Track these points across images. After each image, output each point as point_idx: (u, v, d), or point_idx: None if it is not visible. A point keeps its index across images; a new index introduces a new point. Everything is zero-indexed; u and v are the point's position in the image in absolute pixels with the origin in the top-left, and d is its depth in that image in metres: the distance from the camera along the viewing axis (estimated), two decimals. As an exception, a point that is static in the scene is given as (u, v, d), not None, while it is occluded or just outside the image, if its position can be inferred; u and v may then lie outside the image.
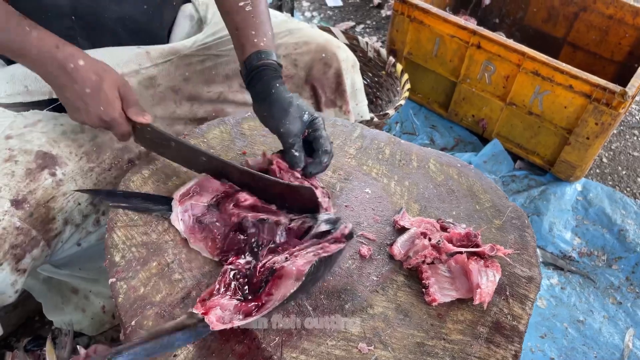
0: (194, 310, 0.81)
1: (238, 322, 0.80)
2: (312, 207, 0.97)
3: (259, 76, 1.06)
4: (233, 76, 1.27)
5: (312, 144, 1.04)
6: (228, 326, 0.79)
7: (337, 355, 0.83)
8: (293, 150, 1.01)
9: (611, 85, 1.74)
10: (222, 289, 0.84)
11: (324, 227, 0.93)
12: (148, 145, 1.06)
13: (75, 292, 1.45)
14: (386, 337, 0.86)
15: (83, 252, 1.23)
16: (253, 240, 0.91)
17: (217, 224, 0.95)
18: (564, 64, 1.82)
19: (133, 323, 0.83)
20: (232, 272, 0.86)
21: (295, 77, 1.33)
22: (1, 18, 0.91)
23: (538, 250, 1.85)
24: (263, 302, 0.82)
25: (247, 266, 0.88)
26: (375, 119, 1.80)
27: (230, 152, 1.14)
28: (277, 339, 0.83)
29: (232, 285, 0.84)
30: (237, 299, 0.83)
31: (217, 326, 0.79)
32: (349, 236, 0.92)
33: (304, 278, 0.82)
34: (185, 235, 0.94)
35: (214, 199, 0.97)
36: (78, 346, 0.96)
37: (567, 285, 1.78)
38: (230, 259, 0.89)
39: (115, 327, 1.46)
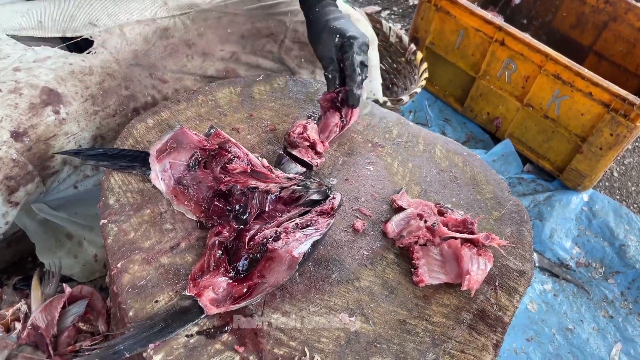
0: (187, 293, 0.80)
1: (231, 306, 0.79)
2: None
3: (303, 1, 1.18)
4: (248, 37, 1.26)
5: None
6: (222, 310, 0.78)
7: (317, 321, 0.82)
8: (326, 73, 1.10)
9: (631, 97, 1.71)
10: (212, 265, 0.83)
11: (314, 197, 0.92)
12: None
13: (69, 238, 1.46)
14: (369, 310, 0.85)
15: (80, 195, 1.23)
16: (239, 206, 0.89)
17: (200, 186, 0.93)
18: (585, 70, 1.78)
19: (119, 265, 0.83)
20: (219, 243, 0.85)
21: (310, 46, 1.31)
22: None
23: (535, 254, 1.84)
24: (255, 283, 0.81)
25: (234, 233, 0.87)
26: (389, 104, 1.78)
27: (237, 113, 1.13)
28: (260, 299, 0.83)
29: (221, 261, 0.83)
30: (228, 276, 0.82)
31: (212, 310, 0.78)
32: (338, 208, 0.92)
33: (297, 267, 0.81)
34: (167, 197, 0.93)
35: (193, 157, 0.95)
36: (64, 284, 0.97)
37: (560, 293, 1.76)
38: (217, 228, 0.88)
39: (105, 277, 1.47)
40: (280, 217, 0.90)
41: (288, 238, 0.84)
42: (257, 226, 0.88)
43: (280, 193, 0.92)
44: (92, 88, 1.10)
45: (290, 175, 0.97)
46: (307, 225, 0.88)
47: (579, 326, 1.68)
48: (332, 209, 0.91)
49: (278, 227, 0.87)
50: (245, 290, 0.81)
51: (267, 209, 0.91)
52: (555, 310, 1.71)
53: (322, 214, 0.91)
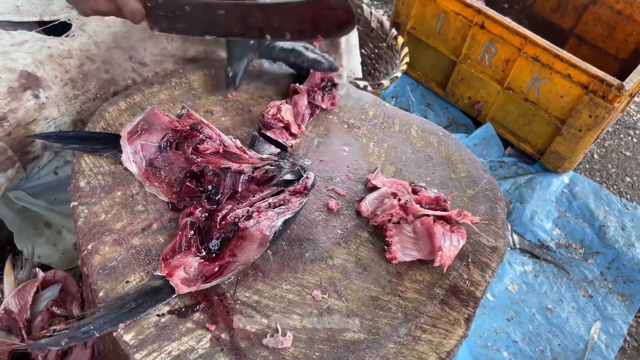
0: (158, 273, 0.80)
1: (202, 285, 0.79)
2: (347, 20, 0.97)
3: None
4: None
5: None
6: (193, 289, 0.78)
7: (290, 299, 0.82)
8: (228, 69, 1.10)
9: (609, 78, 1.72)
10: (184, 245, 0.83)
11: (287, 177, 0.92)
12: (162, 22, 1.00)
13: (48, 226, 1.45)
14: (342, 287, 0.85)
15: (60, 181, 1.22)
16: (211, 187, 0.89)
17: (172, 167, 0.93)
18: (564, 52, 1.79)
19: (89, 247, 0.82)
20: (191, 223, 0.85)
21: None
22: None
23: (516, 236, 1.85)
24: (226, 262, 0.81)
25: (206, 214, 0.87)
26: (370, 88, 1.78)
27: (211, 95, 1.13)
28: (232, 277, 0.83)
29: (193, 241, 0.83)
30: (200, 256, 0.82)
31: (183, 289, 0.78)
32: (311, 188, 0.92)
33: (268, 244, 0.81)
34: (139, 179, 0.92)
35: (164, 139, 0.94)
36: (36, 269, 0.96)
37: (540, 274, 1.78)
38: (189, 209, 0.88)
39: (84, 264, 1.46)
40: (253, 197, 0.90)
41: (260, 217, 0.84)
42: (230, 206, 0.88)
43: (253, 173, 0.92)
44: (71, 72, 1.09)
45: (264, 156, 0.97)
46: (280, 205, 0.88)
47: (559, 306, 1.70)
48: (305, 188, 0.91)
49: (250, 206, 0.87)
50: (216, 269, 0.81)
51: (239, 189, 0.91)
52: (536, 291, 1.73)
53: (295, 193, 0.91)
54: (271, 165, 0.93)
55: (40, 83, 1.04)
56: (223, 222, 0.84)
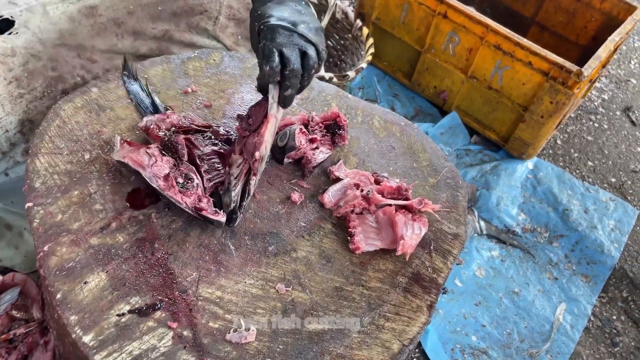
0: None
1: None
2: None
3: None
4: (181, 14, 1.23)
5: None
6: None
7: (254, 293, 0.82)
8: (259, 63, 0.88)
9: (568, 64, 1.76)
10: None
11: (226, 198, 0.90)
12: None
13: (9, 229, 1.41)
14: (306, 280, 0.86)
15: (14, 183, 1.19)
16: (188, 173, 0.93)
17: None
18: (524, 40, 1.82)
19: (46, 248, 0.81)
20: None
21: (247, 21, 1.29)
22: None
23: (483, 222, 1.88)
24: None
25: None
26: (335, 80, 1.78)
27: (170, 90, 1.11)
28: (194, 274, 0.82)
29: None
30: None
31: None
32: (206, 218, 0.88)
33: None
34: None
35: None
36: (-6, 272, 0.94)
37: (507, 258, 1.82)
38: (189, 135, 0.95)
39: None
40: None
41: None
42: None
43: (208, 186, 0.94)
44: (15, 70, 1.05)
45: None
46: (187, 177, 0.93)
47: (525, 289, 1.74)
48: (200, 210, 0.87)
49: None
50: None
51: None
52: (503, 275, 1.76)
53: (195, 207, 0.88)
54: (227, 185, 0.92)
55: None
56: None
